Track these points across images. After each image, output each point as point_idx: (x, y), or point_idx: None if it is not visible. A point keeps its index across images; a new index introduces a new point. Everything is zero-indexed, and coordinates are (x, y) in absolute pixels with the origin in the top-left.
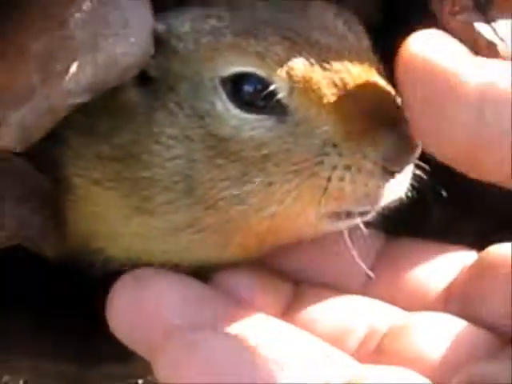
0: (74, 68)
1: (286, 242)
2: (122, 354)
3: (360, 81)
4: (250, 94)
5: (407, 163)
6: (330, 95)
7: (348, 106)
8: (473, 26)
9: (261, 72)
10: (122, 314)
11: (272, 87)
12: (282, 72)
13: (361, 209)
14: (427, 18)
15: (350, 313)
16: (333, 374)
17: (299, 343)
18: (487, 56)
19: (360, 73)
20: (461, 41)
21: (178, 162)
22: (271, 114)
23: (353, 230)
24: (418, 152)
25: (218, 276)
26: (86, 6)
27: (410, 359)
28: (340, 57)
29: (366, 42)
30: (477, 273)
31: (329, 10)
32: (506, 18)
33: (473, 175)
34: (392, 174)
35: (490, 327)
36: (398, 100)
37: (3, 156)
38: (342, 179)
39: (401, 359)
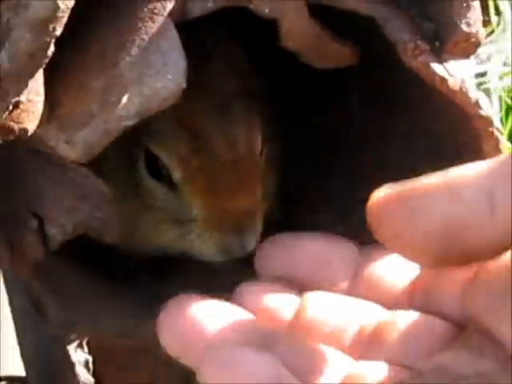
0: (124, 99)
1: None
2: None
3: (231, 189)
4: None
5: (238, 255)
6: (204, 194)
7: (215, 205)
8: (429, 66)
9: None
10: (171, 336)
11: (173, 174)
12: (177, 167)
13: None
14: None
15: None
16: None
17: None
18: (440, 88)
19: (235, 181)
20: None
21: None
22: (167, 186)
23: None
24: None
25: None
26: (133, 51)
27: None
28: (225, 171)
29: (255, 154)
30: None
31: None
32: (455, 59)
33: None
34: (225, 254)
35: (450, 319)
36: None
37: (71, 166)
38: (195, 242)
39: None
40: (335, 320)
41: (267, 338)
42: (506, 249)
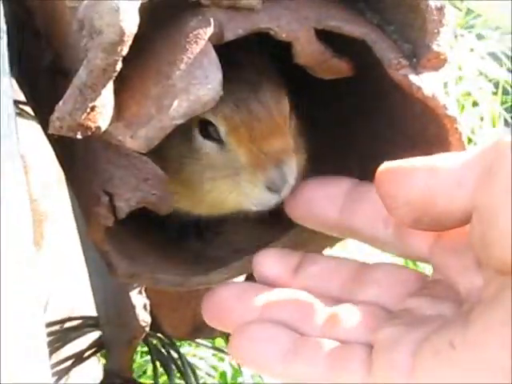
0: (175, 104)
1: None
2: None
3: (268, 136)
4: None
5: (283, 189)
6: (247, 142)
7: (256, 149)
8: (408, 77)
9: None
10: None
11: (220, 130)
12: (223, 125)
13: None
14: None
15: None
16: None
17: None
18: (416, 96)
19: (270, 130)
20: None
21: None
22: (216, 143)
23: None
24: (290, 186)
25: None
26: (182, 66)
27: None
28: (261, 124)
29: (284, 112)
30: None
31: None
32: (428, 72)
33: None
34: (273, 192)
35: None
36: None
37: (135, 155)
38: (245, 187)
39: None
40: (325, 272)
41: (277, 310)
42: (468, 221)
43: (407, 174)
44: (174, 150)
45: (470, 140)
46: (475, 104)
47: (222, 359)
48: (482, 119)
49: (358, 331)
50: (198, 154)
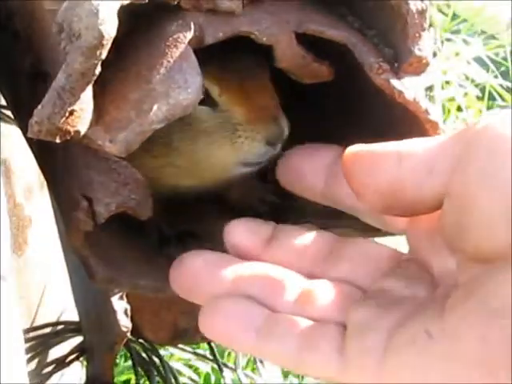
0: (155, 108)
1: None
2: None
3: (260, 92)
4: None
5: (280, 143)
6: (241, 99)
7: (251, 107)
8: (390, 82)
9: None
10: (179, 283)
11: (213, 92)
12: (215, 85)
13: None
14: None
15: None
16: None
17: None
18: (398, 100)
19: (260, 86)
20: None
21: None
22: (209, 106)
23: None
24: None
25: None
26: (162, 71)
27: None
28: (251, 83)
29: (266, 75)
30: None
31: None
32: (409, 76)
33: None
34: (271, 145)
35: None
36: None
37: (114, 160)
38: (243, 143)
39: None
40: (298, 245)
41: (245, 284)
42: (439, 207)
43: (376, 161)
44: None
45: None
46: (460, 109)
47: (206, 362)
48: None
49: (331, 310)
50: (189, 121)
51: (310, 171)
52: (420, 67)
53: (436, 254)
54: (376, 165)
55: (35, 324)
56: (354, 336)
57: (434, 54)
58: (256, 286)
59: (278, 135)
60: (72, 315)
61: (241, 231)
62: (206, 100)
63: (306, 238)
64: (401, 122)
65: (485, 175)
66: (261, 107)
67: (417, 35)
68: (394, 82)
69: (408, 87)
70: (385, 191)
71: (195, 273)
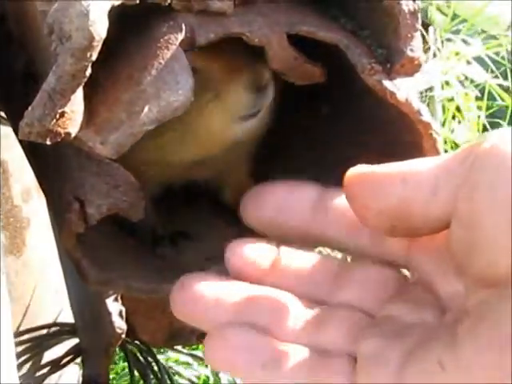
0: (146, 109)
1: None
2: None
3: (237, 54)
4: None
5: (267, 87)
6: (217, 59)
7: (227, 62)
8: (382, 83)
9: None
10: (180, 310)
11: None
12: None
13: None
14: None
15: None
16: None
17: None
18: (390, 101)
19: (243, 58)
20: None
21: None
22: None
23: None
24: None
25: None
26: (153, 72)
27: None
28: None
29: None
30: None
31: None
32: (402, 77)
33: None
34: (259, 91)
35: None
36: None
37: (106, 162)
38: (228, 96)
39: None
40: (303, 269)
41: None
42: (446, 227)
43: (380, 183)
44: None
45: (456, 145)
46: (459, 109)
47: (204, 365)
48: (460, 122)
49: (339, 339)
50: None
51: (288, 210)
52: (412, 68)
53: (442, 276)
54: (380, 186)
55: (32, 324)
56: (364, 370)
57: (434, 54)
58: (261, 313)
59: (261, 79)
60: (69, 316)
61: (244, 253)
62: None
63: (311, 262)
64: (393, 122)
65: (491, 194)
66: (237, 61)
67: (409, 36)
68: (386, 83)
69: (400, 88)
70: (389, 213)
71: (197, 298)
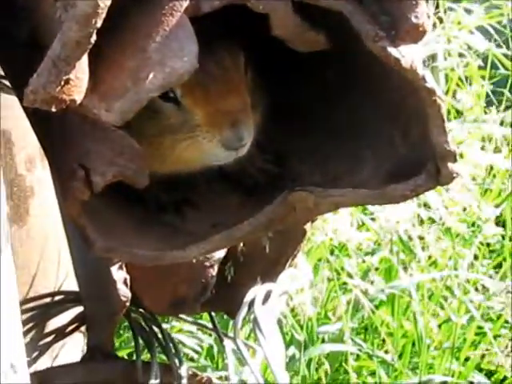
0: (151, 76)
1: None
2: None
3: (223, 95)
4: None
5: (239, 148)
6: (202, 102)
7: (212, 109)
8: (386, 49)
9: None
10: None
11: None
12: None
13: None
14: None
15: None
16: None
17: None
18: (395, 67)
19: (225, 89)
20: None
21: None
22: (174, 104)
23: None
24: (246, 144)
25: None
26: (158, 39)
27: None
28: (216, 82)
29: (240, 70)
30: None
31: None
32: (406, 44)
33: None
34: (230, 149)
35: None
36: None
37: (111, 129)
38: (202, 144)
39: None
40: None
41: None
42: None
43: None
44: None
45: (460, 114)
46: (461, 79)
47: (209, 334)
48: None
49: None
50: (158, 115)
51: None
52: (417, 35)
53: None
54: None
55: (37, 293)
56: None
57: (435, 24)
58: None
59: (235, 141)
60: (74, 284)
61: None
62: (172, 97)
63: None
64: (397, 90)
65: None
66: (221, 111)
67: (414, 3)
68: (391, 50)
69: (405, 55)
70: None
71: None
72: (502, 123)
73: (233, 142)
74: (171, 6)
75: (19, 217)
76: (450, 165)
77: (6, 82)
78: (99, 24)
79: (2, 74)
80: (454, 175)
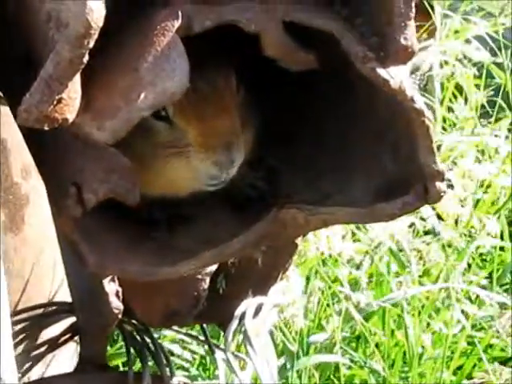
0: (142, 95)
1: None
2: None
3: (215, 115)
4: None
5: (229, 169)
6: (195, 122)
7: (204, 129)
8: (376, 70)
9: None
10: None
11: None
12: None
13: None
14: None
15: None
16: None
17: None
18: (384, 88)
19: (217, 109)
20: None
21: None
22: (166, 122)
23: None
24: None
25: None
26: (149, 58)
27: None
28: (208, 102)
29: (231, 89)
30: None
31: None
32: (395, 65)
33: None
34: (221, 171)
35: None
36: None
37: (102, 147)
38: (193, 164)
39: None
40: None
41: None
42: None
43: None
44: None
45: (455, 124)
46: (457, 87)
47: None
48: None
49: None
50: (149, 134)
51: None
52: (406, 56)
53: None
54: None
55: (30, 301)
56: None
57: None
58: None
59: (226, 163)
60: (68, 293)
61: None
62: (164, 116)
63: None
64: (386, 110)
65: None
66: (213, 132)
67: (402, 25)
68: (380, 71)
69: (394, 76)
70: None
71: None
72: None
73: (225, 165)
74: (163, 27)
75: (14, 225)
76: (437, 184)
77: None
78: (92, 44)
79: None
80: (442, 194)
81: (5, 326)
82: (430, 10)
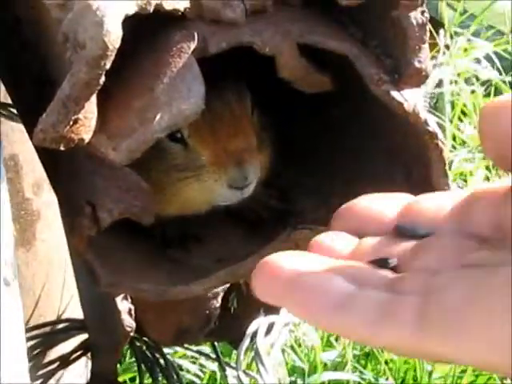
0: (158, 117)
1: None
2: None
3: (230, 136)
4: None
5: (244, 188)
6: (209, 143)
7: (218, 149)
8: (390, 93)
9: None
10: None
11: (183, 133)
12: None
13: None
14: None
15: None
16: None
17: None
18: (397, 111)
19: (232, 129)
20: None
21: None
22: (180, 144)
23: None
24: (251, 184)
25: None
26: (165, 80)
27: None
28: (223, 123)
29: (247, 111)
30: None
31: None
32: (409, 88)
33: None
34: (235, 190)
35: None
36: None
37: (117, 167)
38: (208, 185)
39: None
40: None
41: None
42: None
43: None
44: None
45: (464, 142)
46: (466, 106)
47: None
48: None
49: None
50: (164, 155)
51: None
52: (419, 79)
53: None
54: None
55: (42, 316)
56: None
57: (443, 52)
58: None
59: (240, 181)
60: (79, 309)
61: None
62: (179, 138)
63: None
64: (399, 133)
65: None
66: (227, 151)
67: (417, 48)
68: (394, 94)
69: (407, 98)
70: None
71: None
72: None
73: (238, 181)
74: (179, 48)
75: (26, 240)
76: None
77: (14, 110)
78: (108, 65)
79: (10, 102)
80: None
81: (20, 341)
82: (436, 29)
